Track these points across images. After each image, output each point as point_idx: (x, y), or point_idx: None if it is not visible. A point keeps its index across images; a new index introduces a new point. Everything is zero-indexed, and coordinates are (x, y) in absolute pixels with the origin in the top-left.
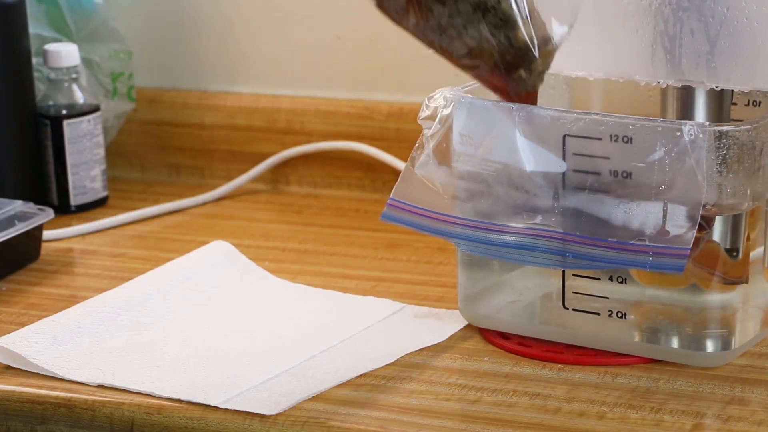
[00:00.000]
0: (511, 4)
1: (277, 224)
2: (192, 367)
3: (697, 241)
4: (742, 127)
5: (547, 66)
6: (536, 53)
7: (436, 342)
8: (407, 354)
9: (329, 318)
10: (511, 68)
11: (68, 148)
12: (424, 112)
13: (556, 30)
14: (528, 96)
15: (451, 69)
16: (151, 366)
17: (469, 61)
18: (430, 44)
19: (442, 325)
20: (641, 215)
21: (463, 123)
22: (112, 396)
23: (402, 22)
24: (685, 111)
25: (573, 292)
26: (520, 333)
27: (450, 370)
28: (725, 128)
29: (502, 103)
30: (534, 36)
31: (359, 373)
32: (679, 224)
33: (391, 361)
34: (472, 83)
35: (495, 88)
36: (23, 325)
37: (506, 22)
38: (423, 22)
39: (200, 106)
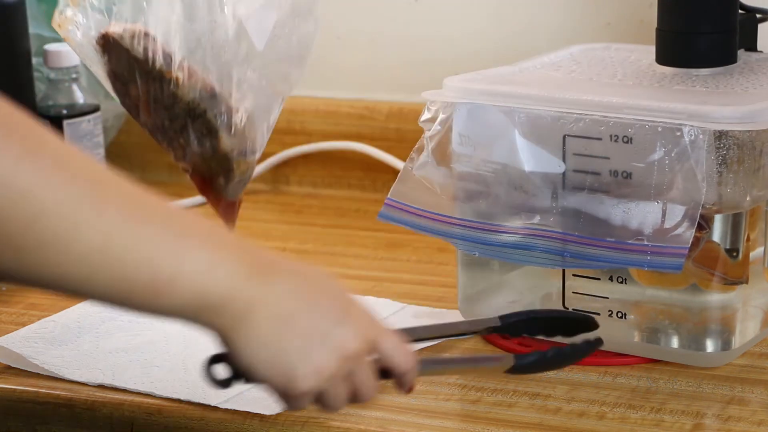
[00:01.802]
0: (215, 115)
1: (277, 224)
2: (192, 368)
3: (696, 241)
4: (742, 128)
5: (245, 176)
6: (233, 164)
7: (436, 342)
8: None
9: None
10: (213, 175)
11: None
12: (426, 115)
13: (261, 141)
14: (228, 205)
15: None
16: (151, 366)
17: (184, 164)
18: (159, 142)
19: None
20: (640, 215)
21: (462, 123)
22: (112, 396)
23: (136, 117)
24: None
25: (573, 292)
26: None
27: None
28: (725, 128)
29: (502, 104)
30: (235, 147)
31: None
32: (678, 224)
33: None
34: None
35: (203, 193)
36: (23, 325)
37: (210, 131)
38: (150, 120)
39: None
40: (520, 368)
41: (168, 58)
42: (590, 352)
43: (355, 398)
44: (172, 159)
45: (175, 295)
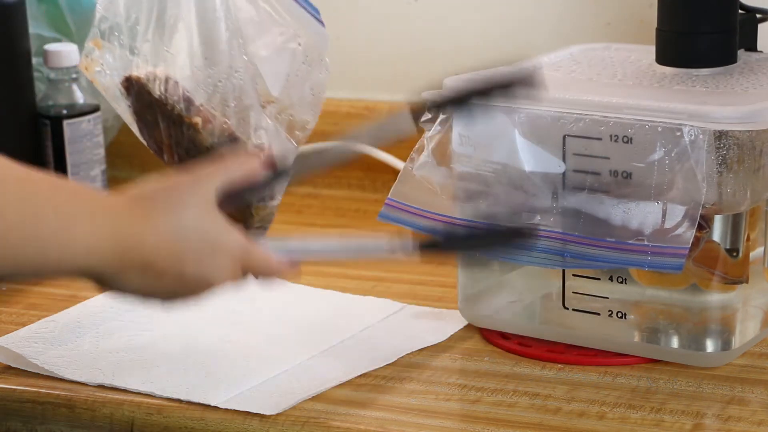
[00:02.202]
0: None
1: (278, 224)
2: (192, 368)
3: (696, 240)
4: (742, 128)
5: (265, 222)
6: (252, 210)
7: (436, 342)
8: (407, 354)
9: (329, 318)
10: (233, 221)
11: (68, 148)
12: (426, 115)
13: (279, 187)
14: None
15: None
16: (152, 366)
17: None
18: None
19: (442, 325)
20: (641, 215)
21: (462, 123)
22: (112, 396)
23: (160, 158)
24: None
25: (573, 292)
26: (520, 333)
27: (450, 370)
28: (725, 128)
29: (502, 104)
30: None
31: (359, 373)
32: (678, 224)
33: (391, 362)
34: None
35: None
36: (23, 325)
37: None
38: (174, 161)
39: None
40: (428, 247)
41: (188, 102)
42: (511, 239)
43: None
44: None
45: (62, 268)
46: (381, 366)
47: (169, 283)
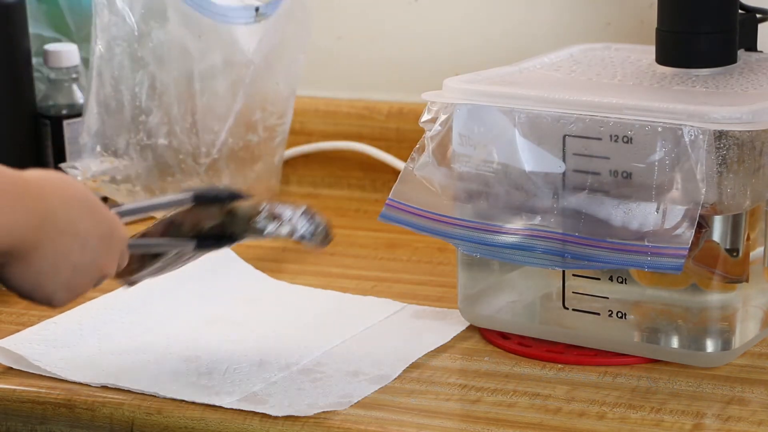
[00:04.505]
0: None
1: None
2: (194, 369)
3: (696, 240)
4: (742, 128)
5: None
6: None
7: (438, 344)
8: (406, 354)
9: (330, 318)
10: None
11: (68, 148)
12: (426, 116)
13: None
14: None
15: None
16: (154, 367)
17: None
18: None
19: (443, 325)
20: (641, 215)
21: (462, 124)
22: (112, 396)
23: None
24: None
25: (573, 292)
26: (520, 333)
27: (450, 370)
28: (725, 128)
29: (502, 104)
30: None
31: (360, 374)
32: (678, 224)
33: (395, 375)
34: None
35: None
36: (23, 325)
37: None
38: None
39: None
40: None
41: None
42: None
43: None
44: None
45: None
46: (384, 370)
47: (72, 250)
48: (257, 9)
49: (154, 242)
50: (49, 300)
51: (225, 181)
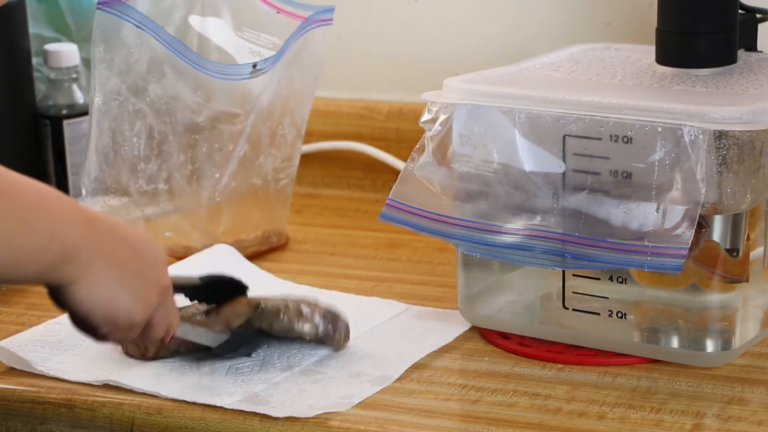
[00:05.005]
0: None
1: None
2: (198, 369)
3: (696, 240)
4: (742, 128)
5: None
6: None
7: (440, 345)
8: (407, 355)
9: None
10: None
11: (68, 148)
12: (426, 116)
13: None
14: None
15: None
16: (157, 368)
17: None
18: None
19: (445, 327)
20: (641, 215)
21: (462, 124)
22: (112, 396)
23: None
24: None
25: (573, 292)
26: (520, 333)
27: (450, 370)
28: (725, 128)
29: (502, 104)
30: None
31: (362, 375)
32: (678, 224)
33: (396, 376)
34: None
35: None
36: (23, 325)
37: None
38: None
39: None
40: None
41: None
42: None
43: (166, 328)
44: None
45: (35, 263)
46: (386, 371)
47: (131, 262)
48: (254, 65)
49: (194, 330)
50: (128, 314)
51: (227, 222)
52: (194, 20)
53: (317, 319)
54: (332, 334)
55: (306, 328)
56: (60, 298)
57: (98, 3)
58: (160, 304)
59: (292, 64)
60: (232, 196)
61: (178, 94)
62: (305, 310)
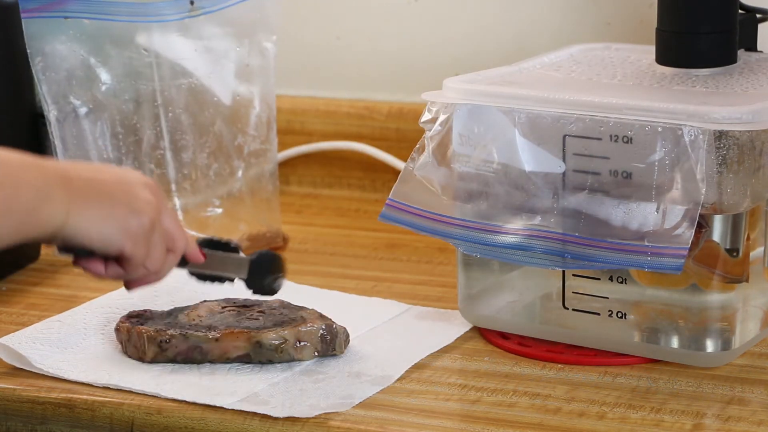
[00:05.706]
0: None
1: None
2: (198, 369)
3: (696, 240)
4: (742, 128)
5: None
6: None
7: (441, 346)
8: (407, 355)
9: (335, 319)
10: None
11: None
12: (426, 116)
13: None
14: None
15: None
16: (158, 368)
17: None
18: None
19: (446, 327)
20: (641, 215)
21: (462, 124)
22: (112, 396)
23: None
24: None
25: (573, 292)
26: (520, 333)
27: (450, 370)
28: (725, 128)
29: (502, 104)
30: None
31: (363, 375)
32: (678, 224)
33: (397, 376)
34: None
35: None
36: (23, 325)
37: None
38: None
39: None
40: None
41: None
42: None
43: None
44: None
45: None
46: (386, 371)
47: (116, 192)
48: (192, 2)
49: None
50: (120, 249)
51: (212, 222)
52: None
53: (315, 340)
54: (333, 347)
55: (306, 354)
56: (66, 245)
57: (22, 12)
58: (160, 213)
59: (245, 35)
60: (217, 179)
61: (128, 66)
62: (302, 337)
